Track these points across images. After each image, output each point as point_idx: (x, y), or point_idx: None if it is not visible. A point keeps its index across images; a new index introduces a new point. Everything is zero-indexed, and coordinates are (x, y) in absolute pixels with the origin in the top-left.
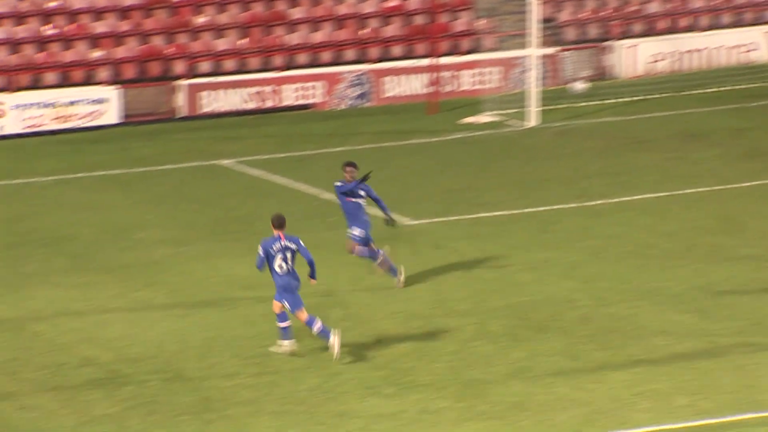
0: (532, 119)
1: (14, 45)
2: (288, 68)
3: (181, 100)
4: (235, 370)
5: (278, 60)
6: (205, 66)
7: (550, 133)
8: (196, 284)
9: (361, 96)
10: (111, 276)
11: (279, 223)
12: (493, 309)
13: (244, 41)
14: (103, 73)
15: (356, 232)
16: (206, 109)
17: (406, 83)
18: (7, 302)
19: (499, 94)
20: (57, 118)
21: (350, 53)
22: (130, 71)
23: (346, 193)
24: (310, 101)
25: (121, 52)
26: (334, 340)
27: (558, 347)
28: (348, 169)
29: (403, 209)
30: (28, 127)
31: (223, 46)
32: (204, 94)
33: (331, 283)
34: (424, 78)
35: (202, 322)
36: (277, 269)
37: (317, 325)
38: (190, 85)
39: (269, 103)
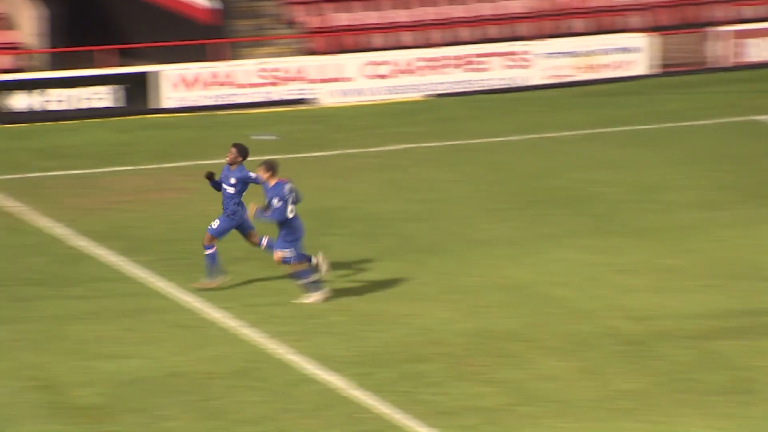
0: None
1: None
2: None
3: (718, 49)
4: None
5: None
6: (748, 11)
7: None
8: (732, 253)
9: None
10: (636, 240)
11: (274, 168)
12: None
13: None
14: (634, 19)
15: (214, 224)
16: (748, 59)
17: None
18: (525, 264)
19: None
20: (583, 68)
21: None
22: (663, 17)
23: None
24: None
25: None
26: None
27: None
28: (231, 149)
29: None
30: (553, 77)
31: None
32: (746, 42)
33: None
34: None
35: (738, 294)
36: (291, 214)
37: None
38: (731, 32)
39: None
